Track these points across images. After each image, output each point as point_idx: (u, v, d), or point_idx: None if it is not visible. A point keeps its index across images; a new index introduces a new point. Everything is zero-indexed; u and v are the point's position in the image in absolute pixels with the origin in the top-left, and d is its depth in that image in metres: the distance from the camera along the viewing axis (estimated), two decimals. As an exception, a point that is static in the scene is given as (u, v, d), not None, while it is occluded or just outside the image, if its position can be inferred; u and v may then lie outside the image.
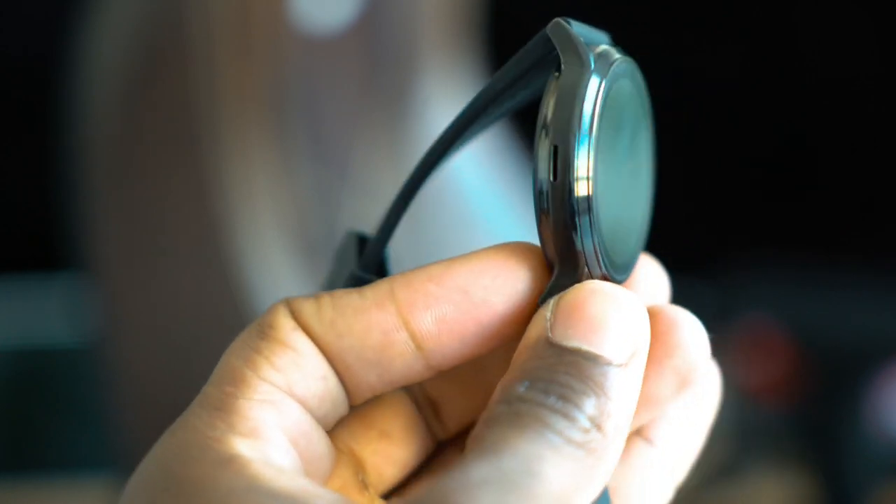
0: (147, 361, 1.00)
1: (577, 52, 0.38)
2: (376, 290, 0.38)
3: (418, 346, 0.38)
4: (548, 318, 0.37)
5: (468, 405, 0.42)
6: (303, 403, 0.38)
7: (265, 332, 0.38)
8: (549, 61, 0.38)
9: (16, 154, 1.39)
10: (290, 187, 1.00)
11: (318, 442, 0.38)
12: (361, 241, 0.42)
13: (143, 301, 1.01)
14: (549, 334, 0.37)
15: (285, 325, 0.38)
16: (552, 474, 0.34)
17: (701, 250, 1.37)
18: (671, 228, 1.39)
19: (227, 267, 0.98)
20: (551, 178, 0.37)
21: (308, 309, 0.38)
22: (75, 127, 1.05)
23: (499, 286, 0.38)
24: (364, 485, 0.40)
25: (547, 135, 0.37)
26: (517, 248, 0.38)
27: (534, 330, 0.37)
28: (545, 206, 0.37)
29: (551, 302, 0.37)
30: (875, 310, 1.31)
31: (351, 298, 0.38)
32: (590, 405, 0.35)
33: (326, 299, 0.38)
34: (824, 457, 1.27)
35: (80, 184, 1.05)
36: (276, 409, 0.37)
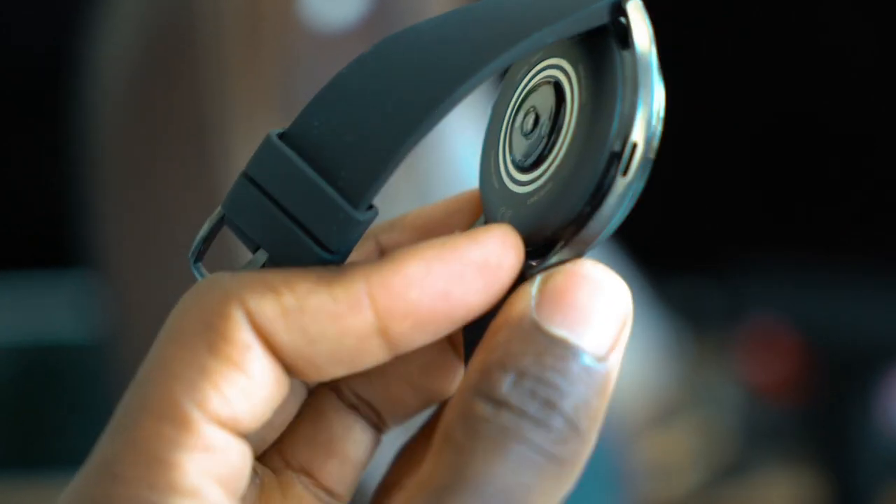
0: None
1: (652, 40, 0.37)
2: (349, 292, 0.35)
3: (390, 347, 0.36)
4: (533, 295, 0.35)
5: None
6: (245, 439, 0.35)
7: (217, 347, 0.34)
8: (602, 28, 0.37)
9: (25, 151, 1.40)
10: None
11: (246, 478, 0.35)
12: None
13: (153, 298, 1.01)
14: (534, 315, 0.35)
15: (242, 339, 0.34)
16: (534, 501, 0.34)
17: (709, 251, 1.36)
18: (680, 229, 1.39)
19: (237, 264, 0.98)
20: (622, 175, 0.37)
21: (269, 312, 0.35)
22: (85, 124, 1.05)
23: (480, 287, 0.36)
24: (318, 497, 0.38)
25: (622, 129, 0.36)
26: (498, 238, 0.36)
27: (518, 306, 0.35)
28: (599, 198, 0.37)
29: (538, 279, 0.36)
30: (883, 309, 1.31)
31: (322, 300, 0.35)
32: (569, 405, 0.34)
33: (290, 300, 0.35)
34: (832, 455, 1.27)
35: (90, 181, 1.05)
36: (218, 460, 0.34)
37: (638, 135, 0.36)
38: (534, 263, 0.37)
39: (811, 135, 1.43)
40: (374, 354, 0.35)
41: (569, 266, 0.36)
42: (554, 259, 0.37)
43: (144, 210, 1.04)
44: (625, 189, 0.36)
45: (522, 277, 0.36)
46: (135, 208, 1.04)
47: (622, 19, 0.37)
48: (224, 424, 0.34)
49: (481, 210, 0.40)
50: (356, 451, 0.39)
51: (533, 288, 0.35)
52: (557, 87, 0.38)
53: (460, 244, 0.35)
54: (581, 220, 0.37)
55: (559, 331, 0.35)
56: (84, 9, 1.09)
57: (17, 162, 1.40)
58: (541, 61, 0.39)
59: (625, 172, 0.36)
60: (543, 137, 0.38)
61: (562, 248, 0.37)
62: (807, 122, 1.42)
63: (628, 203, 0.37)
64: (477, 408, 0.34)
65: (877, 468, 1.26)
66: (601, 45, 0.37)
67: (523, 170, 0.38)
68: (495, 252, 0.36)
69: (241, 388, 0.34)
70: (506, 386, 0.34)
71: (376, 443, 0.40)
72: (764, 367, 1.31)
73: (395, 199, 0.96)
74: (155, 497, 0.33)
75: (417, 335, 0.35)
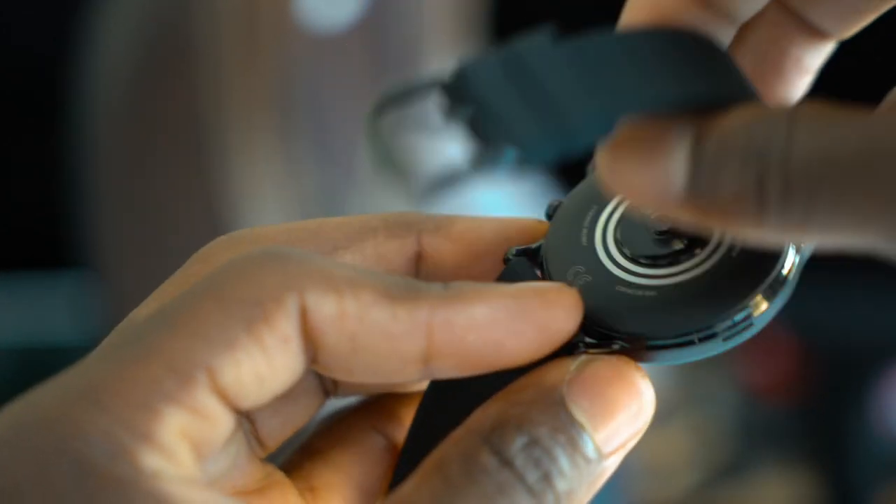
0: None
1: None
2: (412, 316, 0.34)
3: (426, 373, 0.36)
4: (571, 371, 0.35)
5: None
6: (240, 416, 0.35)
7: (256, 327, 0.33)
8: None
9: (23, 152, 1.40)
10: (295, 186, 1.00)
11: (222, 446, 0.35)
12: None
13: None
14: (565, 390, 0.35)
15: (284, 331, 0.34)
16: None
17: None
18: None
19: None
20: (725, 340, 0.36)
21: (327, 311, 0.34)
22: (82, 126, 1.05)
23: (533, 346, 0.35)
24: (254, 450, 0.37)
25: (755, 299, 0.36)
26: (566, 307, 0.36)
27: (552, 375, 0.35)
28: (688, 344, 0.36)
29: (582, 358, 0.36)
30: (880, 310, 1.31)
31: (382, 316, 0.34)
32: (563, 486, 0.35)
33: (352, 305, 0.34)
34: (829, 455, 1.27)
35: (87, 182, 1.05)
36: (204, 426, 0.33)
37: (765, 307, 0.36)
38: (585, 340, 0.36)
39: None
40: (408, 376, 0.35)
41: (615, 361, 0.36)
42: (611, 349, 0.36)
43: (142, 210, 1.04)
44: (718, 350, 0.36)
45: (568, 347, 0.36)
46: (133, 208, 1.05)
47: None
48: (225, 399, 0.34)
49: (535, 239, 0.39)
50: (302, 413, 0.38)
51: (573, 364, 0.36)
52: None
53: (529, 300, 0.35)
54: (658, 347, 0.36)
55: (581, 415, 0.35)
56: (83, 10, 1.09)
57: (16, 162, 1.40)
58: None
59: (727, 339, 0.36)
60: (673, 251, 0.37)
61: (622, 349, 0.36)
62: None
63: (709, 356, 0.36)
64: (482, 456, 0.34)
65: (873, 468, 1.26)
66: None
67: (630, 258, 0.37)
68: (560, 319, 0.36)
69: (260, 376, 0.34)
70: (516, 446, 0.34)
71: (320, 408, 0.39)
72: (761, 367, 1.31)
73: (387, 195, 0.96)
74: (128, 440, 0.32)
75: (455, 370, 0.35)
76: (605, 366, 0.36)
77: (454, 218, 0.40)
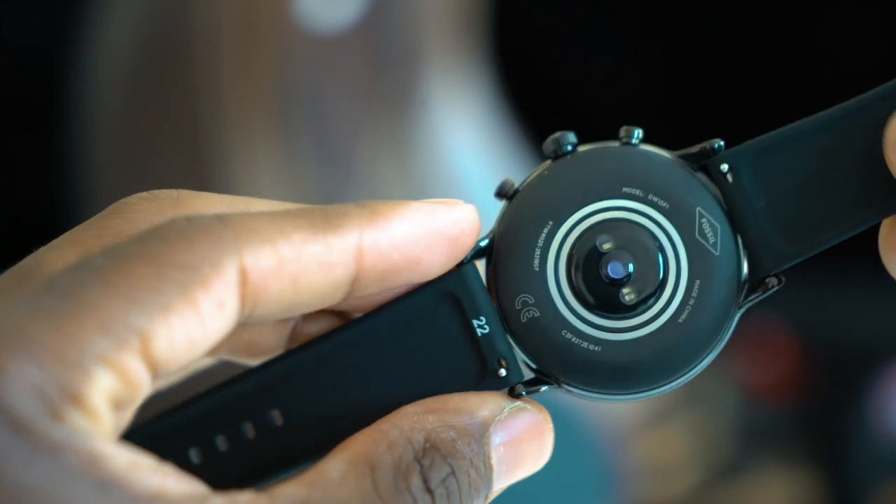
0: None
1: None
2: (344, 242, 0.36)
3: (348, 294, 0.37)
4: (505, 411, 0.38)
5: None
6: (164, 376, 0.35)
7: (191, 292, 0.33)
8: None
9: (23, 152, 1.40)
10: (294, 186, 1.00)
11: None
12: None
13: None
14: (492, 429, 0.37)
15: (219, 294, 0.34)
16: None
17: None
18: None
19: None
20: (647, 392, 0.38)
21: (265, 264, 0.34)
22: (82, 125, 1.05)
23: (444, 259, 0.37)
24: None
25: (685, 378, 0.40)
26: (471, 220, 0.38)
27: (487, 409, 0.37)
28: (628, 393, 0.38)
29: (519, 403, 0.38)
30: (880, 309, 1.31)
31: (318, 249, 0.35)
32: None
33: (287, 250, 0.35)
34: (829, 456, 1.27)
35: (87, 182, 1.05)
36: (128, 390, 0.33)
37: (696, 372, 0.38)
38: (523, 379, 0.38)
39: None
40: (333, 300, 0.36)
41: (541, 420, 0.38)
42: (542, 390, 0.38)
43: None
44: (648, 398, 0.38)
45: (510, 387, 0.38)
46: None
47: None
48: (152, 365, 0.34)
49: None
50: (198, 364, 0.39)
51: (508, 406, 0.38)
52: (665, 265, 0.38)
53: (440, 215, 0.37)
54: (594, 398, 0.38)
55: (495, 459, 0.37)
56: (82, 10, 1.09)
57: (16, 162, 1.40)
58: (647, 192, 0.38)
59: (659, 395, 0.38)
60: (627, 307, 0.38)
61: (556, 388, 0.38)
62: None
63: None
64: (413, 476, 0.36)
65: (873, 469, 1.26)
66: (729, 262, 0.39)
67: (579, 297, 0.38)
68: (467, 234, 0.38)
69: (192, 340, 0.34)
70: (439, 476, 0.36)
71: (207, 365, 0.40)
72: (760, 366, 1.31)
73: (387, 195, 0.96)
74: (59, 400, 0.32)
75: (375, 288, 0.37)
76: (532, 422, 0.38)
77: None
